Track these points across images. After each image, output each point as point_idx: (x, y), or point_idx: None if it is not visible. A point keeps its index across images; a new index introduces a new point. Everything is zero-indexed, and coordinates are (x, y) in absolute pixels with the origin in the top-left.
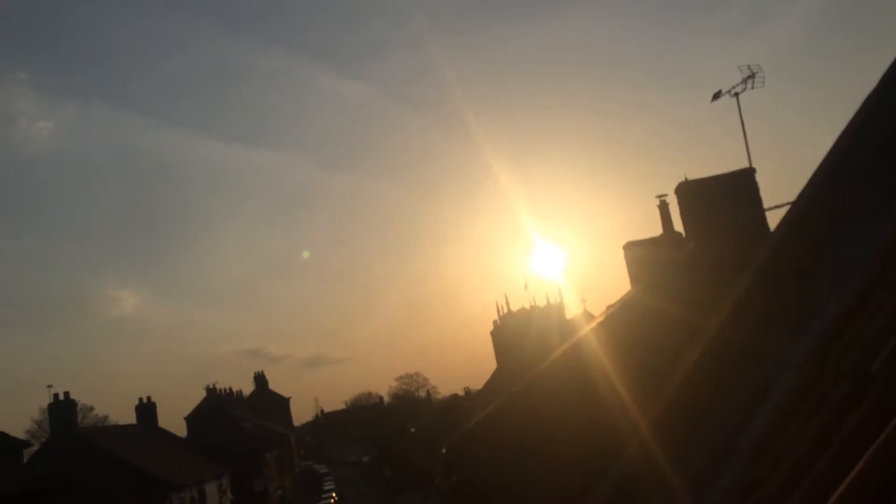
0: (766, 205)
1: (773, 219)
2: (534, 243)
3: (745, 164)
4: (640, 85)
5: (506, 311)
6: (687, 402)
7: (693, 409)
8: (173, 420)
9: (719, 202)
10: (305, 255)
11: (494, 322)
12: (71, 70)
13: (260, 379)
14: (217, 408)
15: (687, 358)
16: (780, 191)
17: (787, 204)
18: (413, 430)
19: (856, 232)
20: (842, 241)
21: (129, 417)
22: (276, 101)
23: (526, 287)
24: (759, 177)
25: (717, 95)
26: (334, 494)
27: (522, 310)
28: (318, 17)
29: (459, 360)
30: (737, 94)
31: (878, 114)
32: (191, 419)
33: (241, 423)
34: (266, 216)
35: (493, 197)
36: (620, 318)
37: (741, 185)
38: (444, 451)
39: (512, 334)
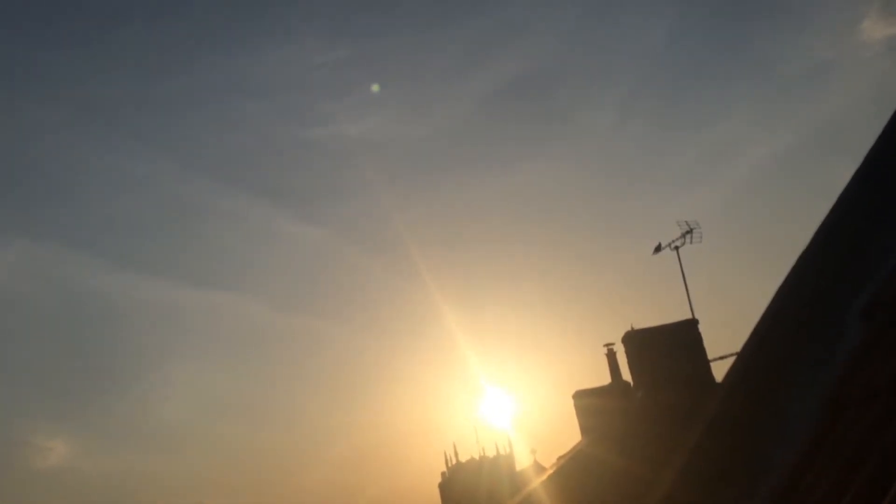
0: (710, 355)
1: (718, 369)
2: (482, 390)
3: (688, 315)
4: (586, 232)
5: (454, 461)
6: None
7: None
8: None
9: (665, 352)
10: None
11: (443, 473)
12: (23, 208)
13: None
14: None
15: None
16: (723, 342)
17: (732, 355)
18: None
19: (800, 383)
20: (787, 393)
21: None
22: (230, 243)
23: (477, 439)
24: (702, 328)
25: (658, 248)
26: None
27: (472, 460)
28: (272, 160)
29: None
30: (677, 248)
31: (812, 269)
32: None
33: None
34: (213, 360)
35: (442, 342)
36: (571, 472)
37: (685, 335)
38: None
39: (461, 487)
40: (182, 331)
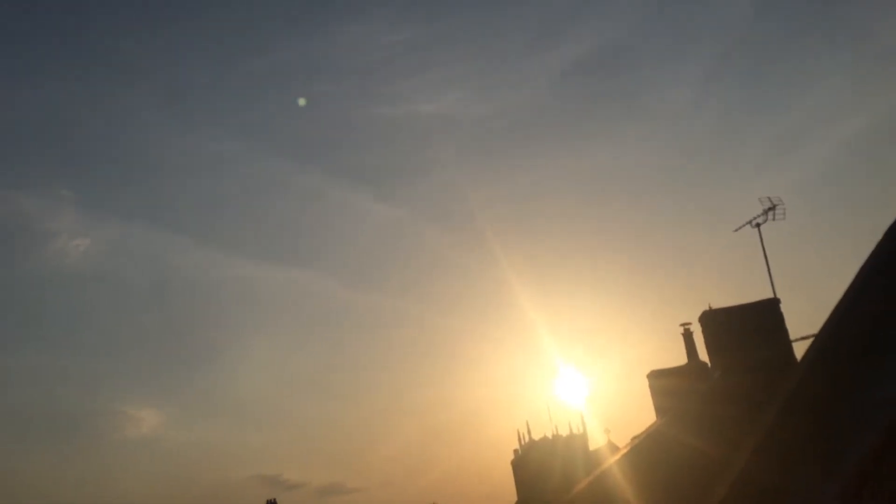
0: (792, 336)
1: (801, 350)
2: (556, 368)
3: (769, 294)
4: (663, 209)
5: (527, 438)
6: None
7: None
8: None
9: (744, 332)
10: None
11: (515, 451)
12: (114, 189)
13: None
14: None
15: (713, 496)
16: (807, 322)
17: (813, 336)
18: None
19: (880, 366)
20: (866, 377)
21: None
22: (308, 220)
23: (550, 417)
24: (784, 307)
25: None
26: None
27: (545, 439)
28: (348, 138)
29: (477, 490)
30: (758, 225)
31: None
32: None
33: None
34: (289, 336)
35: (515, 320)
36: (645, 452)
37: (766, 315)
38: None
39: (535, 465)
40: (263, 307)
